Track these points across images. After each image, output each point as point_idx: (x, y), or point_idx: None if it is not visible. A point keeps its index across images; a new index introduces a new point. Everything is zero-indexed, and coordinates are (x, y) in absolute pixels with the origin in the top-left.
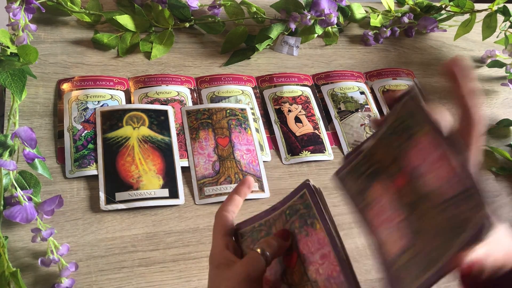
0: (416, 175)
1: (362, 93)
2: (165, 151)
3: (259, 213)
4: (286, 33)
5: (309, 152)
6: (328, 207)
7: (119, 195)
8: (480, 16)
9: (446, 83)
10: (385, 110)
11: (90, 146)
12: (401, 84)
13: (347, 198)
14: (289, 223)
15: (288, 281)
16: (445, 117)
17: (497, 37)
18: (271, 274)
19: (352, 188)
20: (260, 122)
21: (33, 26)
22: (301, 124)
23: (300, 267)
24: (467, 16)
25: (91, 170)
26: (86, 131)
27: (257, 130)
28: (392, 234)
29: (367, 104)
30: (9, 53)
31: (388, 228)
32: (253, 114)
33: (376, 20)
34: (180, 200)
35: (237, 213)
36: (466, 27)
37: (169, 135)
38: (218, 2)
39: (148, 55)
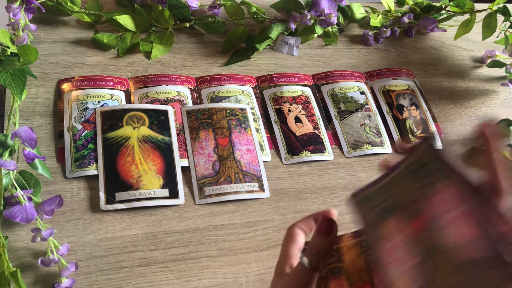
0: (435, 224)
1: (362, 93)
2: (165, 151)
3: (377, 177)
4: (286, 33)
5: (309, 152)
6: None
7: (119, 195)
8: (480, 16)
9: (480, 147)
10: (385, 110)
11: (90, 146)
12: (401, 84)
13: (360, 224)
14: (414, 182)
15: (417, 249)
16: (471, 174)
17: (497, 37)
18: (400, 241)
19: (366, 216)
20: (260, 122)
21: (33, 26)
22: (301, 124)
23: (426, 233)
24: (467, 16)
25: (91, 170)
26: (86, 131)
27: (257, 130)
28: (402, 276)
29: (367, 104)
30: (9, 53)
31: (399, 269)
32: (253, 114)
33: (376, 20)
34: (180, 200)
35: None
36: (466, 27)
37: (169, 135)
38: (218, 2)
39: (148, 55)
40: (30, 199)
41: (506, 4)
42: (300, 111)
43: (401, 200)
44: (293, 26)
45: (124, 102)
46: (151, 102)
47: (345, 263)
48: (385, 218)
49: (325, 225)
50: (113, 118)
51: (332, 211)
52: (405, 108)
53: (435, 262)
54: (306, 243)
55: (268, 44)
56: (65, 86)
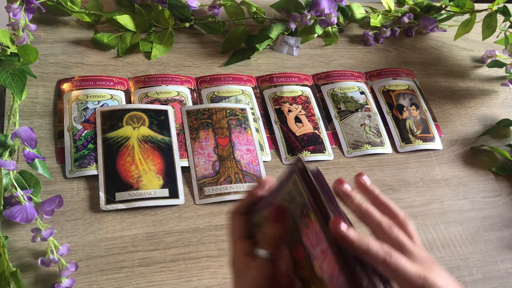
0: (310, 255)
1: (362, 93)
2: (165, 151)
3: (264, 197)
4: (286, 33)
5: (309, 152)
6: (329, 191)
7: (119, 195)
8: (480, 16)
9: None
10: (385, 110)
11: (90, 146)
12: (401, 84)
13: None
14: (290, 211)
15: (300, 276)
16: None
17: (497, 37)
18: (287, 268)
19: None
20: (260, 122)
21: (33, 26)
22: (301, 124)
23: (307, 261)
24: (467, 16)
25: (91, 170)
26: (86, 131)
27: (257, 130)
28: None
29: (367, 104)
30: (9, 53)
31: None
32: (253, 114)
33: (376, 20)
34: (180, 200)
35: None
36: (466, 27)
37: (169, 135)
38: (218, 2)
39: (148, 55)
40: (30, 199)
41: (506, 4)
42: (300, 111)
43: (286, 226)
44: (293, 26)
45: (124, 102)
46: (151, 102)
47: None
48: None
49: (275, 213)
50: (113, 118)
51: (266, 178)
52: (405, 108)
53: None
54: (248, 217)
55: (268, 44)
56: (65, 86)
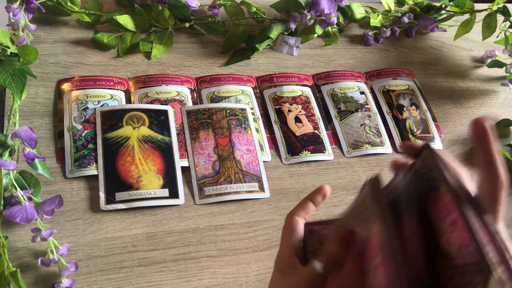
0: (437, 230)
1: (362, 93)
2: (165, 151)
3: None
4: (286, 33)
5: (309, 152)
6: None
7: (119, 195)
8: (480, 16)
9: (472, 144)
10: (385, 110)
11: (90, 146)
12: (401, 84)
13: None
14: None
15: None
16: (465, 178)
17: (497, 37)
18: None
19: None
20: (260, 122)
21: (33, 26)
22: (301, 124)
23: (433, 237)
24: (467, 16)
25: (91, 170)
26: (86, 131)
27: (257, 130)
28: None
29: (367, 104)
30: (9, 53)
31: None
32: (253, 114)
33: (376, 20)
34: (180, 200)
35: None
36: (466, 27)
37: (169, 135)
38: (218, 2)
39: (148, 55)
40: (30, 199)
41: (506, 4)
42: (300, 111)
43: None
44: (293, 26)
45: (124, 102)
46: (151, 102)
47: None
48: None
49: (346, 236)
50: (113, 118)
51: (326, 187)
52: (405, 108)
53: (437, 268)
54: (310, 224)
55: (268, 44)
56: (65, 86)
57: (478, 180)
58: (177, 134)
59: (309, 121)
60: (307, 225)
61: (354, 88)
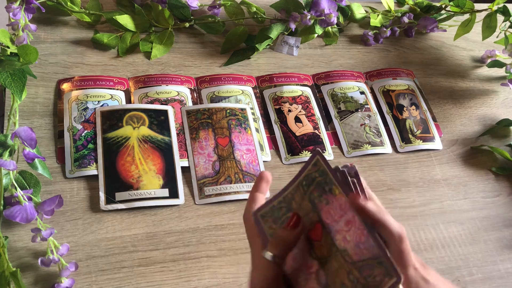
0: (331, 230)
1: (362, 93)
2: (165, 151)
3: (277, 192)
4: (286, 33)
5: (309, 152)
6: (345, 171)
7: (119, 195)
8: (480, 16)
9: None
10: (385, 110)
11: (90, 146)
12: (401, 84)
13: (263, 238)
14: (307, 194)
15: (317, 255)
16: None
17: (497, 37)
18: (298, 252)
19: (268, 230)
20: (260, 122)
21: (33, 26)
22: (301, 124)
23: (327, 238)
24: (467, 16)
25: (91, 170)
26: (86, 131)
27: (257, 130)
28: (308, 282)
29: (367, 104)
30: (9, 53)
31: (304, 275)
32: (253, 114)
33: (376, 20)
34: (180, 200)
35: None
36: (466, 27)
37: (169, 135)
38: (218, 2)
39: (148, 55)
40: (30, 199)
41: (506, 4)
42: (300, 111)
43: (301, 210)
44: (293, 26)
45: (124, 102)
46: (151, 102)
47: (294, 210)
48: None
49: (292, 219)
50: (113, 118)
51: (265, 172)
52: (405, 108)
53: (329, 267)
54: (258, 210)
55: (268, 44)
56: (65, 86)
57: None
58: (177, 134)
59: (309, 121)
60: (256, 212)
61: (354, 88)
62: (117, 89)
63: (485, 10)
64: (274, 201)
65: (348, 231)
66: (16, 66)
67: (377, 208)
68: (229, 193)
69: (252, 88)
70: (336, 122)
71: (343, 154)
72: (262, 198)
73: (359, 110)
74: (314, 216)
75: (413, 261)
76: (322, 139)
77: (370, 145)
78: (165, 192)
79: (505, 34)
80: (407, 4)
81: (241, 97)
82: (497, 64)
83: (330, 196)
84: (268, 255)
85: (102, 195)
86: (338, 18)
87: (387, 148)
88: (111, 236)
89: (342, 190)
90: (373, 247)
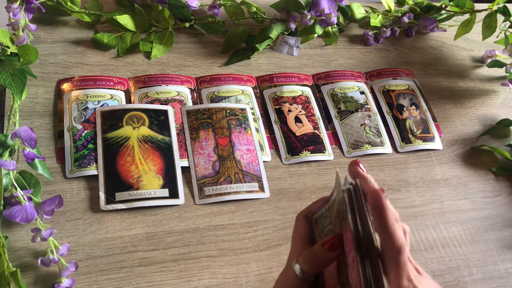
0: (346, 260)
1: (362, 93)
2: (165, 151)
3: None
4: (286, 33)
5: (309, 152)
6: (364, 208)
7: (119, 195)
8: (480, 16)
9: None
10: (385, 110)
11: (90, 146)
12: (401, 84)
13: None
14: (339, 214)
15: (341, 281)
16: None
17: (497, 37)
18: (332, 269)
19: (317, 238)
20: (260, 122)
21: (33, 26)
22: (301, 124)
23: (344, 267)
24: (467, 16)
25: (91, 170)
26: (86, 131)
27: (257, 130)
28: None
29: (367, 104)
30: (9, 53)
31: None
32: (253, 114)
33: (376, 20)
34: (180, 200)
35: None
36: (466, 27)
37: (169, 135)
38: (218, 2)
39: (148, 55)
40: (30, 199)
41: (506, 4)
42: (300, 111)
43: (334, 228)
44: (293, 26)
45: (124, 102)
46: (151, 102)
47: (333, 224)
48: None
49: (333, 240)
50: (113, 118)
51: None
52: (405, 108)
53: None
54: (312, 214)
55: (268, 44)
56: (65, 86)
57: (380, 243)
58: (177, 134)
59: (309, 121)
60: (310, 216)
61: (354, 88)
62: (117, 89)
63: (485, 10)
64: (322, 208)
65: (353, 269)
66: (16, 66)
67: (393, 217)
68: (229, 193)
69: (252, 88)
70: (336, 122)
71: (343, 154)
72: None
73: (359, 110)
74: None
75: (408, 271)
76: (322, 139)
77: (370, 145)
78: (165, 192)
79: (505, 34)
80: (407, 4)
81: (241, 97)
82: (497, 64)
83: (345, 227)
84: (297, 268)
85: (102, 195)
86: (338, 18)
87: (387, 148)
88: (111, 236)
89: (352, 228)
90: None
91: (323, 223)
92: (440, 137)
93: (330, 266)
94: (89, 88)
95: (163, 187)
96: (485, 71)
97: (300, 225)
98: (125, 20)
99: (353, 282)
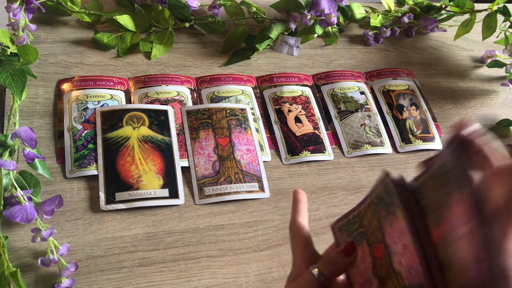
0: (390, 251)
1: (362, 93)
2: (165, 151)
3: (355, 206)
4: (286, 33)
5: (309, 152)
6: (411, 196)
7: (119, 195)
8: (480, 16)
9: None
10: (385, 110)
11: (90, 146)
12: (401, 84)
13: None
14: (376, 213)
15: (378, 274)
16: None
17: (497, 37)
18: (365, 268)
19: (344, 241)
20: (260, 122)
21: (33, 26)
22: (301, 124)
23: (386, 258)
24: (467, 16)
25: (91, 170)
26: (86, 131)
27: (257, 130)
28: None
29: (367, 104)
30: (9, 53)
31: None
32: (253, 114)
33: (376, 20)
34: (180, 200)
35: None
36: (466, 27)
37: (169, 135)
38: (218, 2)
39: (148, 55)
40: (30, 199)
41: (506, 4)
42: (300, 111)
43: (368, 228)
44: (293, 26)
45: (124, 102)
46: (151, 102)
47: (365, 226)
48: (357, 245)
49: (347, 246)
50: (113, 118)
51: (299, 191)
52: (405, 108)
53: (386, 287)
54: (336, 222)
55: (268, 44)
56: (65, 86)
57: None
58: (177, 134)
59: (309, 121)
60: (334, 225)
61: (354, 88)
62: (117, 89)
63: (485, 10)
64: (350, 215)
65: (403, 255)
66: (16, 66)
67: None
68: (229, 193)
69: (252, 88)
70: (336, 122)
71: (343, 154)
72: (305, 208)
73: (359, 110)
74: (379, 235)
75: None
76: (322, 139)
77: (370, 145)
78: (165, 192)
79: (505, 34)
80: (407, 4)
81: (241, 97)
82: (497, 64)
83: (393, 218)
84: (316, 272)
85: (102, 195)
86: (338, 18)
87: (387, 148)
88: (111, 236)
89: (403, 214)
90: (421, 274)
91: (350, 229)
92: (440, 137)
93: (360, 265)
94: (89, 88)
95: (163, 187)
96: (485, 71)
97: (296, 233)
98: (125, 20)
99: (406, 265)
